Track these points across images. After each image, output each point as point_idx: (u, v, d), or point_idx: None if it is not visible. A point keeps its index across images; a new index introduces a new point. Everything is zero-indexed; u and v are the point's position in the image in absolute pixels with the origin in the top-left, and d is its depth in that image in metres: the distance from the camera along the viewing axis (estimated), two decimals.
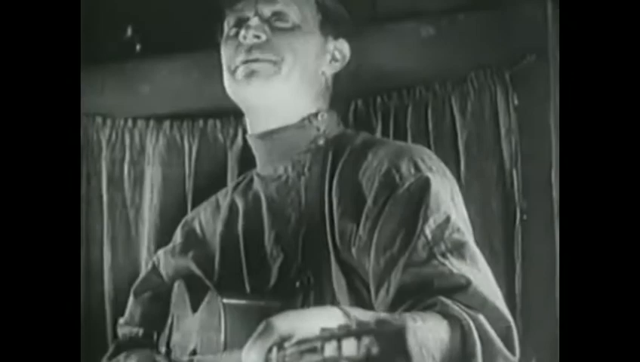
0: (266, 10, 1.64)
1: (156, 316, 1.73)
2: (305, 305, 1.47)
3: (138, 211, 2.63)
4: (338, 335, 0.95)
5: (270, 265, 1.57)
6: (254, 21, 1.62)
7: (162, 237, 2.51)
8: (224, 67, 1.68)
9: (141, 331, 1.76)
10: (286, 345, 1.02)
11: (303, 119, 1.64)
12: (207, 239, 1.75)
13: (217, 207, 1.80)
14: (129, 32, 2.58)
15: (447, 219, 1.42)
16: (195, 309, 1.54)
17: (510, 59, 2.21)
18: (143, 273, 1.89)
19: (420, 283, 1.34)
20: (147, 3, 2.51)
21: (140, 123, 2.64)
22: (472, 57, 2.26)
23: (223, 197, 1.80)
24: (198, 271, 1.69)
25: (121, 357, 1.69)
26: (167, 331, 1.66)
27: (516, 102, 2.22)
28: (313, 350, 0.97)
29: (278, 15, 1.64)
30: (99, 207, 2.63)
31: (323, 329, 0.99)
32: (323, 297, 1.47)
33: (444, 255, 1.37)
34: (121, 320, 1.85)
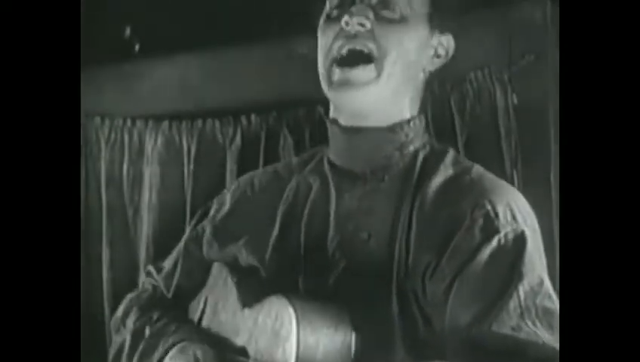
0: None
1: (190, 290, 1.62)
2: (360, 319, 1.37)
3: (137, 211, 2.63)
4: None
5: (330, 267, 1.45)
6: (360, 7, 1.47)
7: (161, 237, 2.51)
8: (320, 52, 1.52)
9: (170, 294, 1.64)
10: None
11: (395, 124, 1.51)
12: (263, 211, 1.59)
13: (278, 179, 1.63)
14: (128, 32, 2.58)
15: (541, 283, 1.34)
16: (246, 304, 1.43)
17: (509, 59, 2.21)
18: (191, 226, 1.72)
19: (513, 348, 1.26)
20: (146, 3, 2.51)
21: (139, 123, 2.65)
22: (471, 57, 2.26)
23: (287, 172, 1.64)
24: (248, 259, 1.54)
25: (155, 318, 1.58)
26: (197, 315, 1.55)
27: (515, 102, 2.22)
28: None
29: (384, 3, 1.48)
30: (98, 207, 2.63)
31: None
32: (376, 313, 1.38)
33: (534, 322, 1.29)
34: (152, 269, 1.71)
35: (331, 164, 1.56)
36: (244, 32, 2.36)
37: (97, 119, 2.66)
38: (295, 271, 1.48)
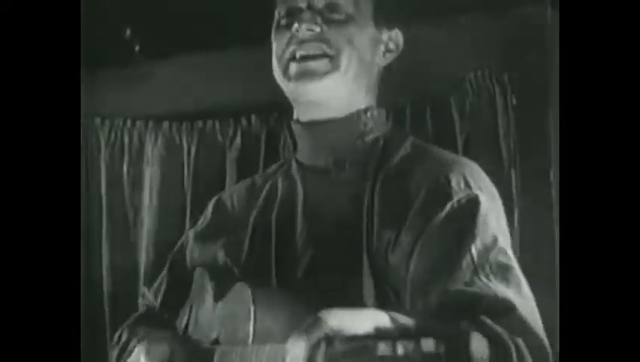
0: (319, 2, 1.58)
1: (175, 300, 1.68)
2: (330, 305, 1.44)
3: (137, 212, 2.63)
4: (394, 335, 0.94)
5: (299, 259, 1.52)
6: (307, 14, 1.56)
7: (162, 237, 2.52)
8: (275, 57, 1.62)
9: (158, 305, 1.72)
10: (336, 341, 0.99)
11: (352, 114, 1.59)
12: (239, 221, 1.68)
13: (253, 188, 1.74)
14: (128, 33, 2.58)
15: (495, 241, 1.40)
16: (218, 299, 1.50)
17: (509, 59, 2.22)
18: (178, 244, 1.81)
19: (465, 302, 1.31)
20: (146, 4, 2.51)
21: (139, 124, 2.65)
22: (470, 58, 2.26)
23: (262, 180, 1.74)
24: (225, 259, 1.63)
25: (140, 330, 1.64)
26: (185, 319, 1.62)
27: (515, 102, 2.22)
28: (364, 348, 0.95)
29: (330, 6, 1.57)
30: (98, 208, 2.64)
31: (377, 329, 0.97)
32: (349, 297, 1.43)
33: (487, 276, 1.34)
34: (146, 291, 1.79)
35: (299, 164, 1.65)
36: (244, 33, 2.36)
37: (97, 120, 2.66)
38: (267, 269, 1.55)
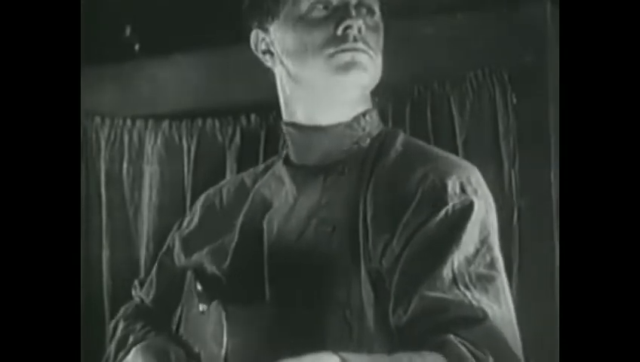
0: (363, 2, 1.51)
1: (165, 302, 1.65)
2: (329, 315, 1.41)
3: (137, 210, 2.64)
4: None
5: (296, 269, 1.47)
6: (359, 13, 1.50)
7: (161, 236, 2.51)
8: (304, 49, 1.52)
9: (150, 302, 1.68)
10: None
11: (354, 119, 1.54)
12: (226, 226, 1.61)
13: (242, 188, 1.67)
14: (128, 31, 2.58)
15: (477, 252, 1.37)
16: (204, 302, 1.47)
17: (509, 59, 2.22)
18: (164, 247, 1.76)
19: (437, 310, 1.30)
20: (146, 3, 2.51)
21: (139, 122, 2.65)
22: (471, 57, 2.27)
23: (251, 181, 1.67)
24: (212, 268, 1.57)
25: (138, 326, 1.61)
26: (176, 319, 1.59)
27: (515, 101, 2.22)
28: None
29: (369, 9, 1.52)
30: (98, 206, 2.64)
31: None
32: (351, 307, 1.41)
33: (466, 286, 1.33)
34: (137, 282, 1.74)
35: (289, 165, 1.59)
36: (244, 32, 2.35)
37: (97, 119, 2.66)
38: (258, 277, 1.50)
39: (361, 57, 1.49)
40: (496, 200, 2.23)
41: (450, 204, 1.40)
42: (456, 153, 2.27)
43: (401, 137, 1.57)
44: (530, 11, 2.19)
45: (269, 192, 1.60)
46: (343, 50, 1.49)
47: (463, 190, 1.42)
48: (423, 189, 1.42)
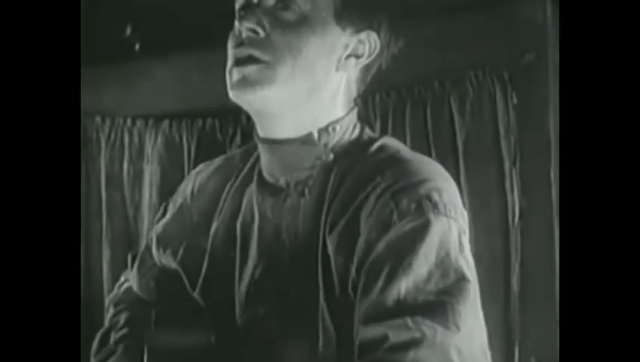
0: None
1: (148, 295, 1.57)
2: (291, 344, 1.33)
3: (137, 209, 2.64)
4: None
5: (258, 296, 1.38)
6: (252, 12, 1.34)
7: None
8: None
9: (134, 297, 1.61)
10: None
11: (310, 134, 1.38)
12: (199, 226, 1.49)
13: (218, 177, 1.53)
14: (128, 31, 2.58)
15: (430, 277, 1.24)
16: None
17: (509, 58, 2.22)
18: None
19: (377, 341, 1.21)
20: (146, 3, 2.51)
21: (139, 122, 2.65)
22: (471, 57, 2.27)
23: (230, 168, 1.54)
24: (183, 274, 1.48)
25: (119, 325, 1.55)
26: (151, 326, 1.49)
27: (515, 101, 2.22)
28: None
29: (284, 3, 1.34)
30: (98, 206, 2.64)
31: None
32: (311, 338, 1.31)
33: (411, 314, 1.22)
34: (123, 278, 1.69)
35: (259, 176, 1.46)
36: None
37: (97, 118, 2.67)
38: (228, 299, 1.41)
39: (250, 71, 1.33)
40: (496, 200, 2.25)
41: (401, 225, 1.27)
42: (456, 153, 2.27)
43: (375, 146, 1.41)
44: (530, 11, 2.19)
45: (240, 208, 1.47)
46: (234, 65, 1.35)
47: (418, 207, 1.28)
48: (378, 208, 1.29)
